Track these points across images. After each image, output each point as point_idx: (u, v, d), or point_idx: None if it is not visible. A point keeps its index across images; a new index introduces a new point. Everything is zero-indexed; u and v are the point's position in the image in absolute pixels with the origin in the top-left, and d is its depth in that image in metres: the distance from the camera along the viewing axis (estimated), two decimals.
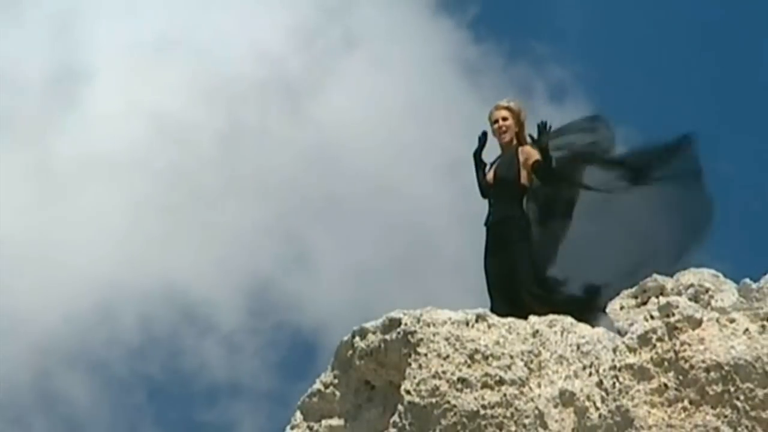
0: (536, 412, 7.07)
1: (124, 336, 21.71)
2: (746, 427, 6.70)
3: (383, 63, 22.98)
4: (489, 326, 7.33)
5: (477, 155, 7.99)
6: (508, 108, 7.84)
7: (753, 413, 6.71)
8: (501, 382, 7.09)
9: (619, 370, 6.96)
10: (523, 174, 7.71)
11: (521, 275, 7.90)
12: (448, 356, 7.20)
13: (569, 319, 7.42)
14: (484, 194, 7.99)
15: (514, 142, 7.85)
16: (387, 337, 7.29)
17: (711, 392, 6.76)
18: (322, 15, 24.36)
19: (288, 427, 7.55)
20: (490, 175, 8.01)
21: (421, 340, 7.20)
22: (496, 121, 7.83)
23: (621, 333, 7.20)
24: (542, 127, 7.70)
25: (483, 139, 7.96)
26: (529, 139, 7.78)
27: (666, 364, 6.87)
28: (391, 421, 7.28)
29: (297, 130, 22.97)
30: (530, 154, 7.73)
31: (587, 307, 7.59)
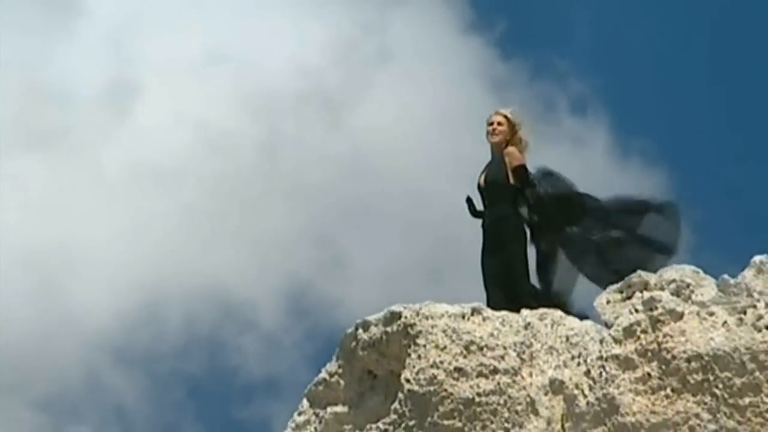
0: (528, 399, 7.36)
1: (169, 334, 22.68)
2: (725, 413, 6.95)
3: (415, 77, 23.95)
4: (484, 319, 7.63)
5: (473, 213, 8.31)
6: (505, 116, 8.15)
7: (731, 401, 6.95)
8: (495, 371, 7.38)
9: (606, 360, 7.22)
10: (511, 175, 8.02)
11: (516, 273, 8.20)
12: (445, 347, 7.49)
13: (559, 313, 7.71)
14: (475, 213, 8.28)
15: (503, 145, 8.13)
16: (388, 329, 7.59)
17: (692, 381, 7.00)
18: (359, 31, 25.32)
19: (295, 414, 7.81)
20: (481, 179, 8.29)
21: (420, 332, 7.50)
22: (491, 124, 8.12)
23: (607, 325, 7.47)
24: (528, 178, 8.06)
25: (469, 202, 8.33)
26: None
27: (649, 354, 7.11)
28: (392, 407, 7.60)
29: (333, 138, 24.05)
30: (513, 155, 8.03)
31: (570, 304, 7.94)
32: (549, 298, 8.06)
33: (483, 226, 8.24)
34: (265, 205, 23.74)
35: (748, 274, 7.18)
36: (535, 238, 8.26)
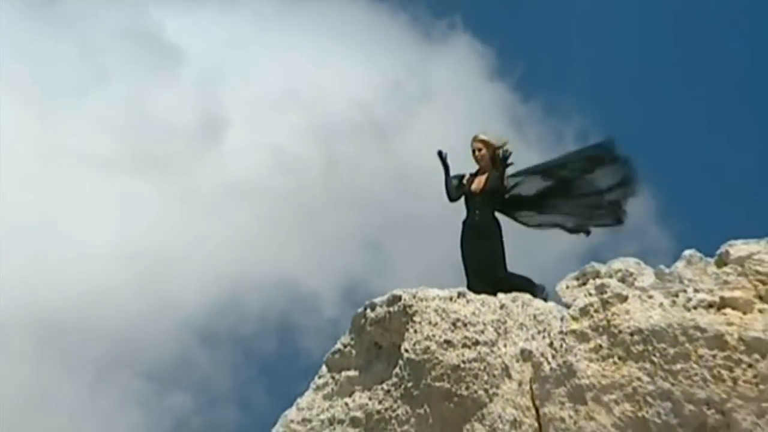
0: (503, 365, 8.31)
1: (247, 319, 25.83)
2: (661, 377, 7.79)
3: (451, 112, 27.12)
4: (467, 301, 8.61)
5: (445, 164, 9.36)
6: (482, 141, 9.24)
7: (666, 366, 7.79)
8: (476, 343, 8.34)
9: (565, 334, 8.13)
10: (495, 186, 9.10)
11: (497, 261, 9.27)
12: (436, 323, 8.49)
13: (528, 296, 8.73)
14: (454, 197, 9.29)
15: (490, 164, 9.20)
16: (391, 309, 8.59)
17: (634, 351, 7.86)
18: (405, 73, 29.67)
19: (316, 377, 8.74)
20: (477, 186, 9.31)
21: (416, 311, 8.49)
22: (474, 151, 9.20)
23: (567, 306, 8.41)
24: (503, 158, 9.19)
25: (441, 155, 9.40)
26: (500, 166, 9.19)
27: (600, 329, 8.02)
28: (394, 372, 8.53)
29: (383, 161, 27.64)
30: (493, 176, 9.15)
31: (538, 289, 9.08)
32: (521, 283, 9.15)
33: (466, 223, 9.25)
34: (327, 216, 27.51)
35: (680, 265, 8.10)
36: (523, 220, 9.37)
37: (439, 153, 9.34)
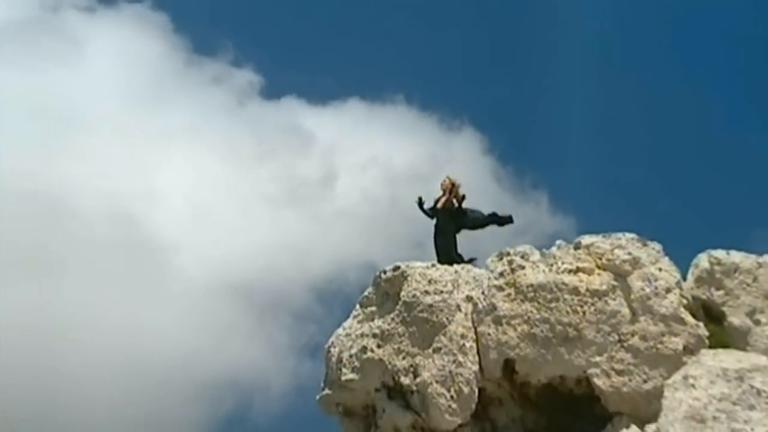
0: (456, 304, 12.25)
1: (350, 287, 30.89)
2: (543, 310, 11.52)
3: (460, 173, 32.34)
4: (437, 269, 12.68)
5: (422, 207, 14.00)
6: (449, 178, 13.86)
7: (546, 305, 11.64)
8: (441, 292, 12.33)
9: (491, 287, 12.06)
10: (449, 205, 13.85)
11: (451, 248, 13.77)
12: (419, 281, 12.45)
13: (469, 266, 12.75)
14: (431, 218, 13.79)
15: (448, 193, 13.81)
16: (394, 273, 12.67)
17: (529, 296, 11.75)
18: (427, 157, 36.18)
19: (353, 311, 12.79)
20: (440, 204, 13.74)
21: (409, 274, 12.53)
22: (443, 182, 13.84)
23: (491, 271, 12.30)
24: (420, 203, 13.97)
25: (420, 203, 13.96)
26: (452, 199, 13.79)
27: (510, 284, 11.94)
28: (396, 309, 12.48)
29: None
30: (451, 203, 13.77)
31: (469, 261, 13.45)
32: (462, 259, 13.60)
33: (435, 226, 13.86)
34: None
35: (554, 249, 12.14)
36: (460, 228, 14.01)
37: (418, 200, 14.08)
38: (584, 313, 11.87)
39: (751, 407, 11.48)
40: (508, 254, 12.71)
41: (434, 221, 14.14)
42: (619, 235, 12.62)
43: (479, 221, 14.21)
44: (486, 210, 14.48)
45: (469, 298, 12.68)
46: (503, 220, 14.39)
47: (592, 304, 11.91)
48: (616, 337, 11.97)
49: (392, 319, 12.79)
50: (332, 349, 13.43)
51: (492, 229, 14.48)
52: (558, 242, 12.72)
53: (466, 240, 14.27)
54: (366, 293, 13.32)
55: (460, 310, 12.58)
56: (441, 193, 14.32)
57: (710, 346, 11.99)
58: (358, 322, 13.20)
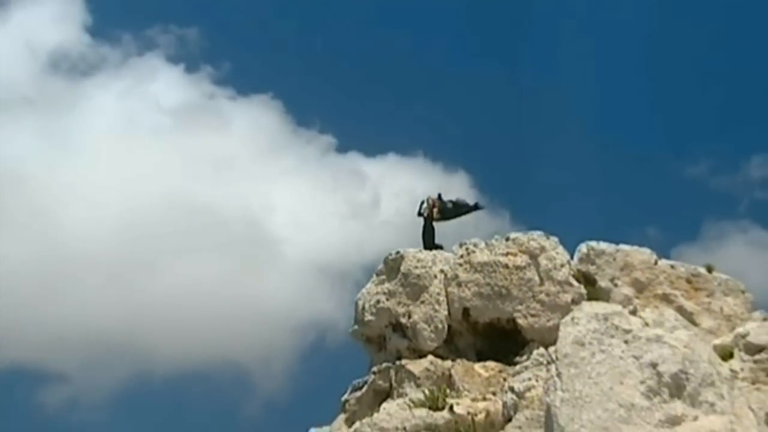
0: (434, 274, 19.13)
1: (361, 265, 40.30)
2: (488, 278, 18.36)
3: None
4: (423, 252, 19.72)
5: (419, 214, 21.32)
6: (430, 196, 21.05)
7: (489, 275, 18.50)
8: (425, 266, 19.27)
9: (456, 264, 19.07)
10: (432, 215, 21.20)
11: (431, 238, 20.94)
12: (411, 260, 19.48)
13: (443, 251, 19.58)
14: (424, 218, 21.09)
15: (432, 207, 20.90)
16: (397, 255, 19.60)
17: (478, 268, 18.62)
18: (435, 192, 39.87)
19: (372, 278, 19.71)
20: (425, 214, 20.79)
21: (404, 256, 19.50)
22: (428, 200, 20.95)
23: (455, 253, 19.31)
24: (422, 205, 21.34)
25: (420, 211, 21.09)
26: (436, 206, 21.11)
27: (468, 261, 18.86)
28: (398, 277, 19.41)
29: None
30: (433, 212, 20.99)
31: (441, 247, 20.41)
32: (437, 247, 20.56)
33: (423, 226, 20.95)
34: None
35: (494, 240, 18.86)
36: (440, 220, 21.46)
37: (418, 210, 21.22)
38: (512, 279, 18.26)
39: (611, 336, 16.33)
40: (465, 243, 19.58)
41: (423, 222, 21.39)
42: (533, 232, 19.21)
43: (452, 216, 21.34)
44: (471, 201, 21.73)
45: (442, 271, 19.31)
46: (473, 209, 21.55)
47: (516, 274, 18.35)
48: (531, 294, 18.22)
49: (395, 283, 19.38)
50: (359, 301, 19.68)
51: (461, 220, 21.66)
52: (495, 236, 19.62)
53: (452, 232, 21.71)
54: (380, 267, 20.09)
55: (436, 278, 19.06)
56: (427, 204, 21.42)
57: (588, 299, 16.58)
58: (375, 285, 19.79)
